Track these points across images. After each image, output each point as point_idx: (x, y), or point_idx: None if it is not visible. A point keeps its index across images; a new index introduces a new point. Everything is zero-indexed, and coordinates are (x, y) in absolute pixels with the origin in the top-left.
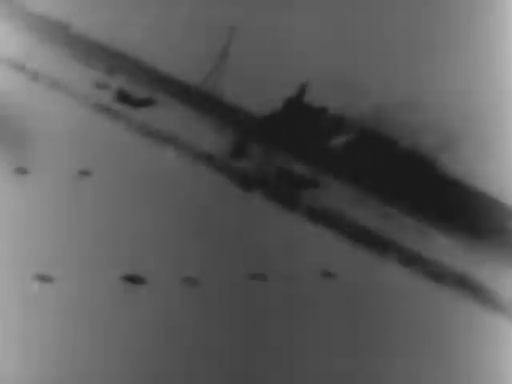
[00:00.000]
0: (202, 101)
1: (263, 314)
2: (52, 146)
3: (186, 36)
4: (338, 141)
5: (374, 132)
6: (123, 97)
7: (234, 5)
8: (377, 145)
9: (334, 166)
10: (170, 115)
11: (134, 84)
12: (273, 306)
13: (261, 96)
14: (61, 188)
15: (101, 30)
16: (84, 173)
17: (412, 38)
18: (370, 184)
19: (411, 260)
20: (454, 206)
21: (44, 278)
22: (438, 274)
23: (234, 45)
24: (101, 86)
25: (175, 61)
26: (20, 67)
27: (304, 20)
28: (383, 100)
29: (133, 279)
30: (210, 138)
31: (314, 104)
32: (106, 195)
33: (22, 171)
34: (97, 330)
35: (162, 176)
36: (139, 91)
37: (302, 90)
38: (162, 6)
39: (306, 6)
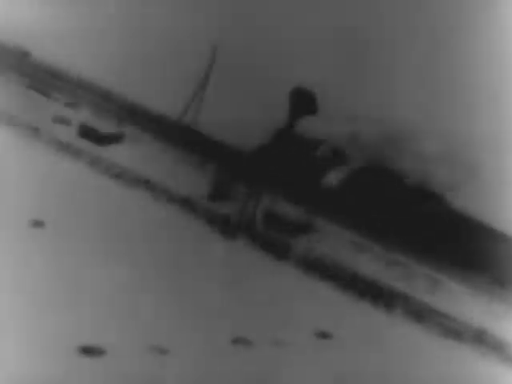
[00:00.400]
0: (179, 135)
1: None
2: (1, 190)
3: (161, 62)
4: (336, 178)
5: (378, 166)
6: (87, 132)
7: (215, 24)
8: (380, 181)
9: (332, 206)
10: (140, 152)
11: (99, 117)
12: (259, 375)
13: (247, 128)
14: (9, 242)
15: (63, 57)
16: (38, 223)
17: (422, 56)
18: (373, 226)
19: (422, 314)
20: (471, 249)
21: None
22: (454, 330)
23: (216, 69)
24: (61, 120)
25: (148, 90)
26: None
27: (297, 36)
28: (388, 127)
29: (90, 350)
30: (188, 178)
31: (308, 135)
32: (63, 250)
33: None
34: None
35: (130, 224)
36: (105, 125)
37: (294, 118)
38: (132, 30)
39: (298, 21)
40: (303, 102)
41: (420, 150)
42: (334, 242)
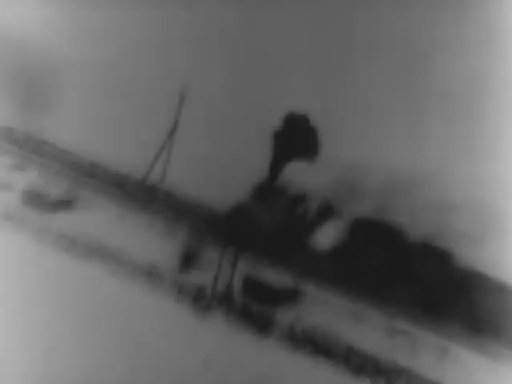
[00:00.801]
0: (143, 197)
1: None
2: None
3: (121, 114)
4: (326, 236)
5: (374, 221)
6: (33, 198)
7: (182, 72)
8: (378, 238)
9: (322, 270)
10: (96, 219)
11: (48, 181)
12: None
13: (222, 185)
14: None
15: (8, 113)
16: None
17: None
18: (371, 291)
19: None
20: (485, 312)
21: None
22: None
23: (184, 119)
24: (3, 185)
25: (106, 145)
26: None
27: (277, 79)
28: (389, 174)
29: None
30: (153, 246)
31: (292, 188)
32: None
33: None
34: None
35: (86, 303)
36: (55, 189)
37: (276, 170)
38: (88, 77)
39: (280, 59)
40: (297, 137)
41: (427, 201)
42: (325, 310)
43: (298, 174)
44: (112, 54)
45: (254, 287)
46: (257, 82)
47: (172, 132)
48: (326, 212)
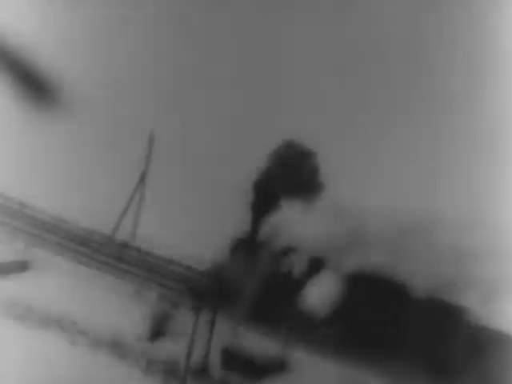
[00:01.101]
0: (109, 255)
1: None
2: None
3: (86, 164)
4: (318, 294)
5: (373, 276)
6: None
7: (150, 106)
8: (377, 294)
9: (313, 334)
10: (55, 282)
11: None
12: None
13: (198, 241)
14: None
15: None
16: None
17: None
18: (370, 357)
19: None
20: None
21: None
22: None
23: (154, 168)
24: None
25: (69, 197)
26: None
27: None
28: (390, 221)
29: None
30: (117, 312)
31: (277, 241)
32: None
33: None
34: None
35: (40, 376)
36: (9, 249)
37: (262, 214)
38: (51, 123)
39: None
40: (295, 174)
41: (435, 249)
42: (317, 381)
43: (286, 222)
44: (76, 99)
45: (234, 359)
46: (239, 120)
47: (141, 180)
48: (316, 267)
